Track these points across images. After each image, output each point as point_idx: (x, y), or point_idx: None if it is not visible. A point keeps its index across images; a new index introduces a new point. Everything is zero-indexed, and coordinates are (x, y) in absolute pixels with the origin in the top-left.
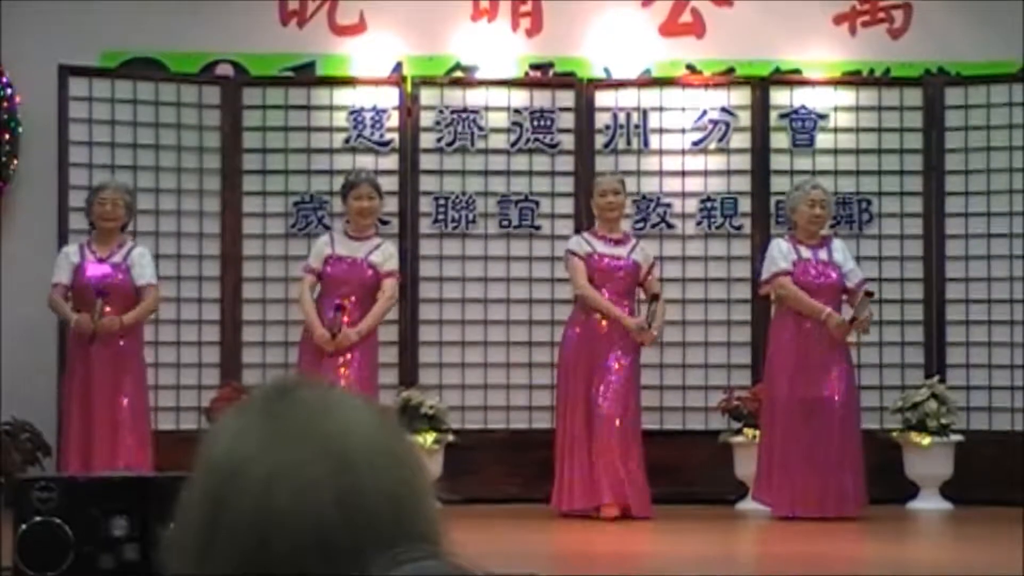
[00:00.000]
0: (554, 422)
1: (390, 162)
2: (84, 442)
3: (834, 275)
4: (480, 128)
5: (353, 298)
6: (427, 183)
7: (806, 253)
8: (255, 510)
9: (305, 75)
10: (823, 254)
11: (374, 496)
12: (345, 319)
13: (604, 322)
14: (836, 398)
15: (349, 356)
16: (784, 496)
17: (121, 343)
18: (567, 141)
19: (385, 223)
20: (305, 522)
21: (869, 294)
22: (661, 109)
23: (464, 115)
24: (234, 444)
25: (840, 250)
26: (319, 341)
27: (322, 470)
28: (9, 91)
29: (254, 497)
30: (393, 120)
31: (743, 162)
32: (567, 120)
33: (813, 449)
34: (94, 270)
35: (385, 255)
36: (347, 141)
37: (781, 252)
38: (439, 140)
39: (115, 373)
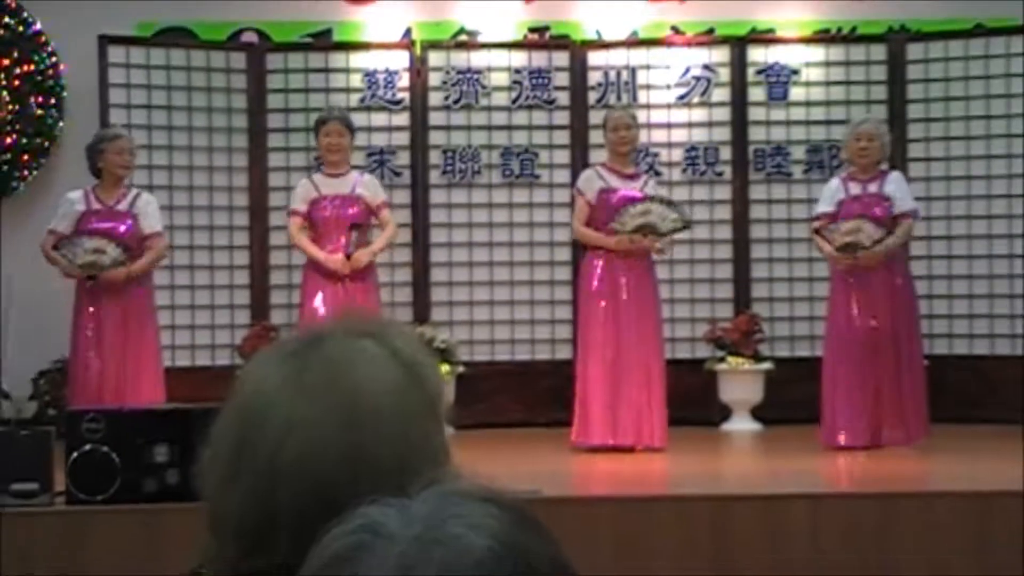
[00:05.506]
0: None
1: (402, 119)
2: (96, 383)
3: (882, 208)
4: (483, 87)
5: (355, 234)
6: (436, 138)
7: (855, 189)
8: (268, 460)
9: (323, 41)
10: (874, 187)
11: (378, 454)
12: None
13: (619, 255)
14: (890, 328)
15: (355, 290)
16: (848, 425)
17: (131, 292)
18: (563, 98)
19: (398, 175)
20: (306, 478)
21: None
22: (648, 67)
23: (468, 75)
24: (260, 387)
25: (894, 182)
26: (334, 266)
27: (332, 426)
28: (54, 60)
29: (269, 447)
30: (404, 81)
31: (723, 114)
32: (562, 79)
33: (869, 380)
34: (98, 220)
35: (371, 187)
36: (362, 101)
37: (829, 191)
38: (446, 98)
39: (125, 322)
